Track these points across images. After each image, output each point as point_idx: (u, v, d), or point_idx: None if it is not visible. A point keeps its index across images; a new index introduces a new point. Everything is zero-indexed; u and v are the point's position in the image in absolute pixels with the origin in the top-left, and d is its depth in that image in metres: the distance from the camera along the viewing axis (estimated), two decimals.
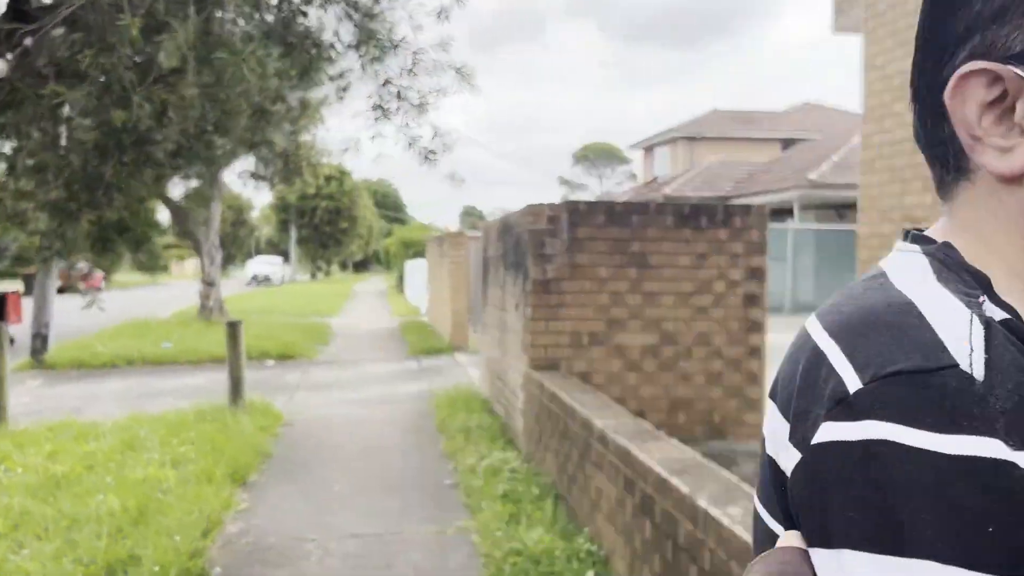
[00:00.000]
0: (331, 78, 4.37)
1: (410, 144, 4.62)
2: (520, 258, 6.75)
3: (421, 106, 4.52)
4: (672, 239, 6.56)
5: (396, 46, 4.13)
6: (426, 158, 4.61)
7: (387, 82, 4.48)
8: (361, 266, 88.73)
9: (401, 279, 37.54)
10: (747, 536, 2.69)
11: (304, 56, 3.64)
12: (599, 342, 6.50)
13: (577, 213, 6.44)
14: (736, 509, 2.94)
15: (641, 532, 3.68)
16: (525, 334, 6.51)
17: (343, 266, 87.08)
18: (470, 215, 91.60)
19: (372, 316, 22.89)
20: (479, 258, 14.52)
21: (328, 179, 53.23)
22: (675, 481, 3.29)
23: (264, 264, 51.61)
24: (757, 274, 6.70)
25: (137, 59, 3.13)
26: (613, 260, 6.49)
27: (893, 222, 6.62)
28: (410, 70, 4.42)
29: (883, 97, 6.70)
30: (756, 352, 6.74)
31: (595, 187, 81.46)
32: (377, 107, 4.48)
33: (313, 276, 63.56)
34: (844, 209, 26.06)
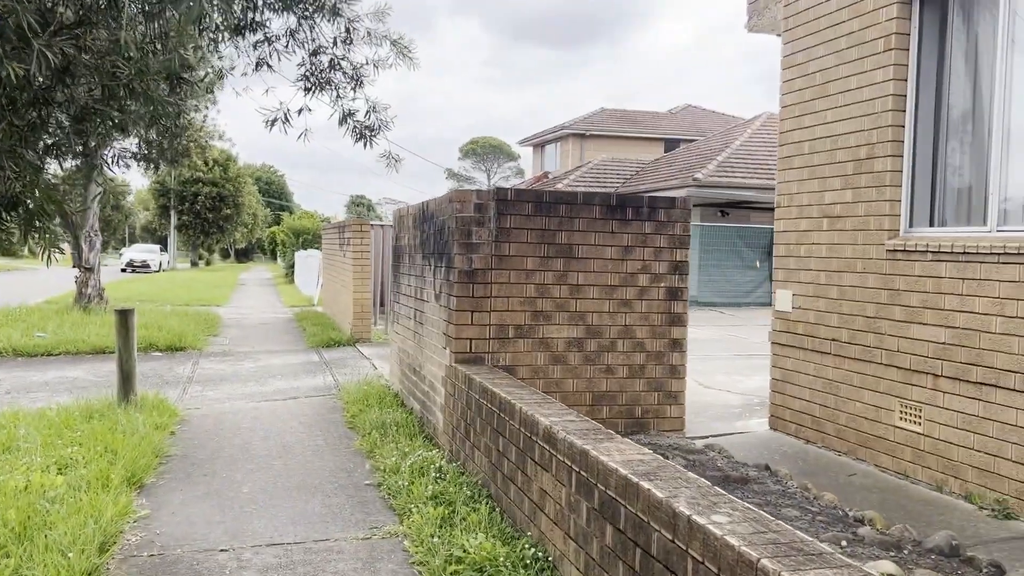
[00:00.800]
0: (256, 44, 3.89)
1: (344, 119, 4.17)
2: (443, 247, 6.39)
3: (356, 78, 4.10)
4: (599, 231, 6.36)
5: (334, 7, 3.69)
6: (361, 135, 4.18)
7: (319, 51, 4.03)
8: (244, 255, 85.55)
9: (291, 268, 36.24)
10: (744, 546, 2.46)
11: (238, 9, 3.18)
12: (524, 335, 6.23)
13: (505, 202, 6.13)
14: (721, 517, 2.71)
15: (600, 538, 3.42)
16: (448, 326, 6.16)
17: (225, 254, 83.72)
18: (357, 204, 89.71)
19: (263, 306, 21.87)
20: (387, 246, 14.01)
21: (212, 164, 50.88)
22: (646, 485, 3.04)
23: (141, 252, 48.82)
24: (680, 268, 6.59)
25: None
26: (540, 251, 6.22)
27: (811, 219, 6.64)
28: (345, 39, 3.99)
29: (804, 95, 6.70)
30: (678, 345, 6.64)
31: (483, 181, 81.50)
32: (307, 77, 4.02)
33: (194, 264, 60.66)
34: (728, 207, 26.90)
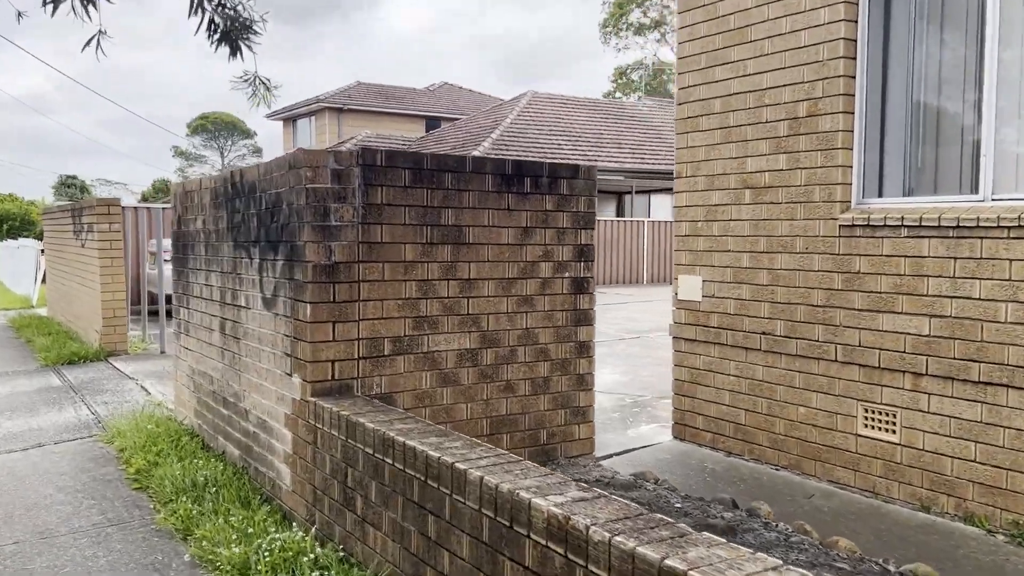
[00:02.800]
0: None
1: (199, 4, 2.39)
2: (279, 232, 4.60)
3: None
4: (493, 207, 4.91)
5: None
6: (226, 36, 2.43)
7: None
8: None
9: None
10: None
11: None
12: (405, 349, 4.64)
13: (373, 168, 4.48)
14: None
15: None
16: (298, 344, 4.41)
17: None
18: (68, 186, 79.49)
19: None
20: (147, 234, 11.26)
21: None
22: None
23: None
24: (585, 253, 5.33)
25: None
26: (422, 235, 4.65)
27: (727, 191, 5.65)
28: None
29: (713, 42, 5.68)
30: (585, 349, 5.38)
31: (216, 160, 75.73)
32: None
33: None
34: None
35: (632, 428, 6.62)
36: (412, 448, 3.34)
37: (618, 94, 59.65)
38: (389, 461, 3.51)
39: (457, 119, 40.19)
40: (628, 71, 62.49)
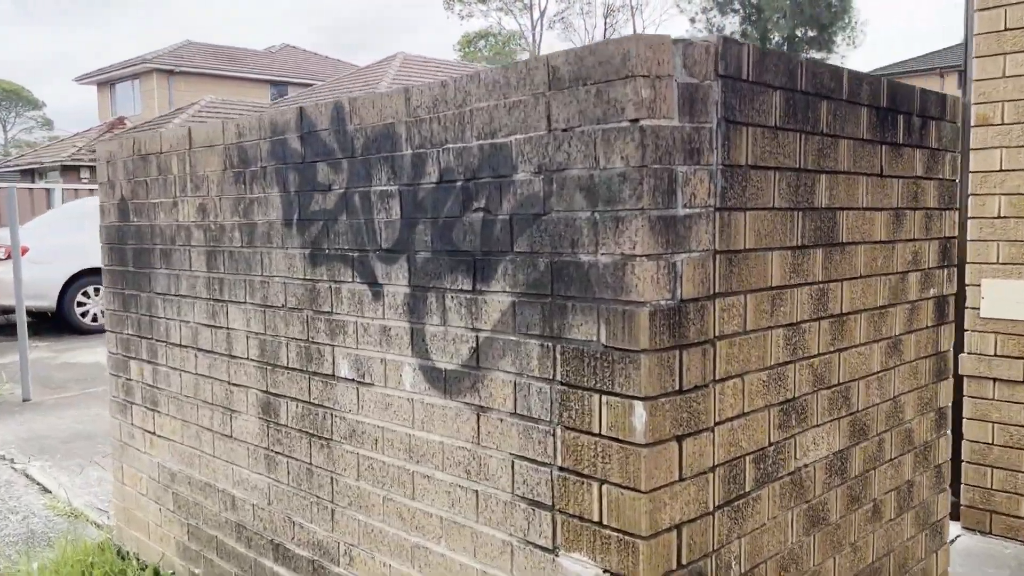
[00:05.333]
0: None
1: None
2: (506, 231, 2.13)
3: None
4: (865, 172, 2.63)
5: None
6: None
7: None
8: None
9: None
10: None
11: None
12: (768, 475, 2.31)
13: (738, 87, 2.09)
14: None
15: None
16: (605, 491, 1.98)
17: None
18: None
19: None
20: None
21: None
22: None
23: None
24: (949, 253, 3.15)
25: None
26: (791, 231, 2.32)
27: None
28: None
29: None
30: (943, 421, 3.23)
31: None
32: None
33: None
34: None
35: None
36: None
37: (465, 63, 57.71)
38: None
39: (308, 84, 37.03)
40: (475, 40, 60.35)
